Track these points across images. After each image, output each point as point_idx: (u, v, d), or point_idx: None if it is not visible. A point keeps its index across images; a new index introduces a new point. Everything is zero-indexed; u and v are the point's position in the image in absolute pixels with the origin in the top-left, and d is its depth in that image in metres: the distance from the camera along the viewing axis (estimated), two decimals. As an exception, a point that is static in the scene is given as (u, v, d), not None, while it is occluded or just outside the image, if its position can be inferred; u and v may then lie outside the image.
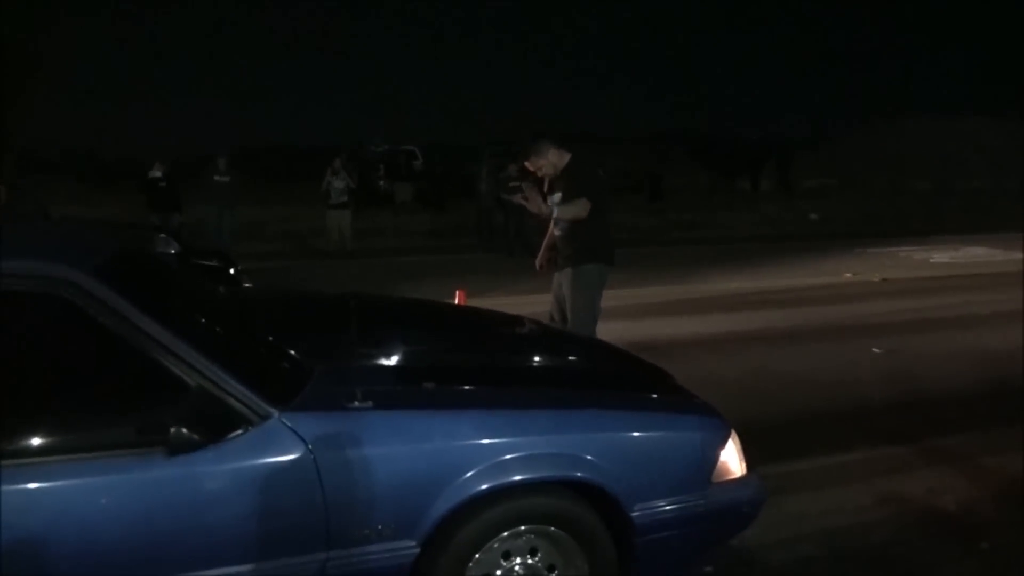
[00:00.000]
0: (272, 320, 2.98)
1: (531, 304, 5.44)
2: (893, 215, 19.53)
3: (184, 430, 1.88)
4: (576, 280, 4.49)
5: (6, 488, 1.81)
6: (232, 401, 1.98)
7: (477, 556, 2.22)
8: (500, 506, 2.22)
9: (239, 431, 1.98)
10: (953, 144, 33.44)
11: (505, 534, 2.25)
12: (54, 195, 13.47)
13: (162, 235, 6.73)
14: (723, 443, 2.53)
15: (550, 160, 4.56)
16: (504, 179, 12.03)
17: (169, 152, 12.55)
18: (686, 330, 6.93)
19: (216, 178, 11.87)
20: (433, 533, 2.13)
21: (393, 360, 2.69)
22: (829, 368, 5.72)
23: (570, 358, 3.22)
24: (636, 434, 2.44)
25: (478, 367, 2.82)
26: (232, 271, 6.61)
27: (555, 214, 4.55)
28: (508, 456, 2.20)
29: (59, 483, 1.87)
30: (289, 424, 2.02)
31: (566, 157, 4.57)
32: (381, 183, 22.87)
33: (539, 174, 4.71)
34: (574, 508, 2.31)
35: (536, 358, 3.12)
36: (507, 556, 2.28)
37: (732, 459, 2.55)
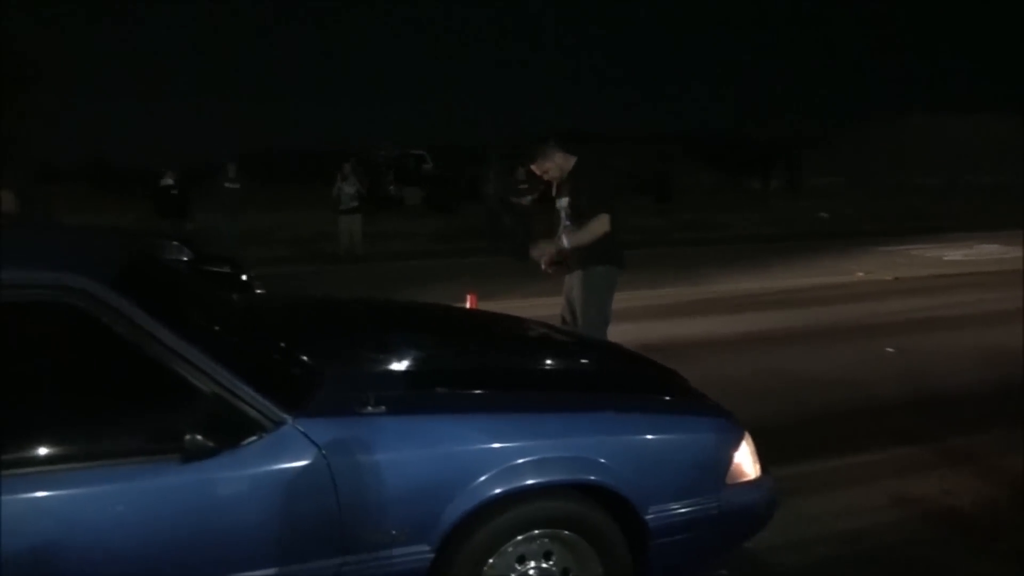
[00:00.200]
0: (284, 326, 3.00)
1: (542, 307, 5.43)
2: (903, 212, 19.44)
3: (199, 437, 1.90)
4: (587, 282, 4.48)
5: (23, 496, 1.83)
6: (246, 408, 2.00)
7: (491, 560, 2.22)
8: (514, 510, 2.22)
9: (253, 437, 1.99)
10: (960, 140, 33.29)
11: (519, 538, 2.25)
12: (64, 203, 13.57)
13: (175, 242, 6.78)
14: (737, 445, 2.53)
15: (556, 163, 4.53)
16: (513, 182, 12.04)
17: (179, 159, 12.63)
18: (697, 331, 6.92)
19: (227, 185, 11.95)
20: (447, 537, 2.13)
21: (405, 365, 2.69)
22: (842, 368, 5.70)
23: (582, 361, 3.22)
24: (649, 437, 2.43)
25: (490, 371, 2.82)
26: (244, 277, 6.65)
27: (565, 221, 4.50)
28: (521, 460, 2.20)
29: (75, 491, 1.88)
30: (303, 430, 2.03)
31: (572, 160, 4.55)
32: (391, 187, 22.97)
33: (545, 177, 4.67)
34: (588, 511, 2.30)
35: (548, 361, 3.12)
36: (521, 560, 2.28)
37: (746, 461, 2.54)
